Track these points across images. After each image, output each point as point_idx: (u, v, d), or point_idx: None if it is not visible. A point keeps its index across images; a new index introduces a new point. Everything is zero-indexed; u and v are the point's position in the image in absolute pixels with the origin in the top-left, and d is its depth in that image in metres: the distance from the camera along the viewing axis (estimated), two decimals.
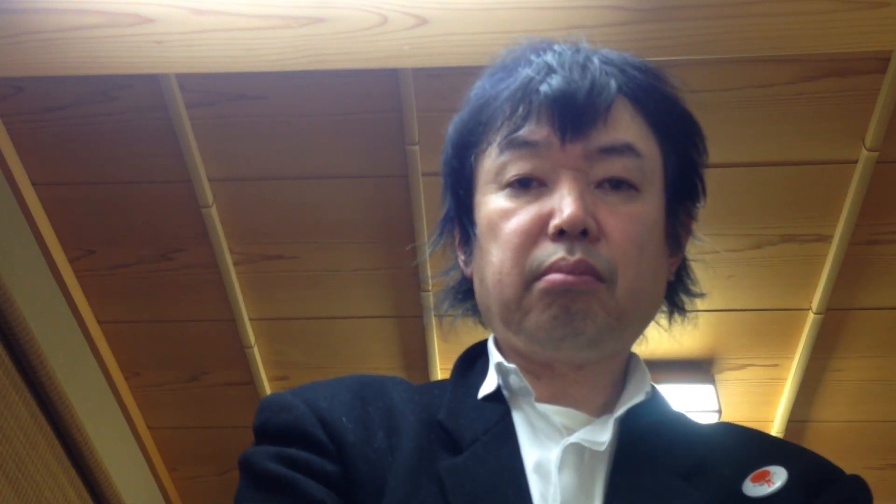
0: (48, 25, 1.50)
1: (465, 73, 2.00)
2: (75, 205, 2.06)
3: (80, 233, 2.11)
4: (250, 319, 2.27)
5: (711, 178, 1.94)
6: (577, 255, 0.76)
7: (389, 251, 2.12)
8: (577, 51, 0.83)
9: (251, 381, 2.37)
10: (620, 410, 0.80)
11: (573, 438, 0.77)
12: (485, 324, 0.91)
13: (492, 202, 0.82)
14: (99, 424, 2.17)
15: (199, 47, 1.51)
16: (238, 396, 2.40)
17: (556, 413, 0.80)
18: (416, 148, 1.94)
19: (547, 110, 0.79)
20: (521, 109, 0.80)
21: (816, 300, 2.15)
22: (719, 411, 2.27)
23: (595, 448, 0.77)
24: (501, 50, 0.89)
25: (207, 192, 2.02)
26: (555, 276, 0.77)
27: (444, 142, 0.91)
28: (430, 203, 2.00)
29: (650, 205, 0.82)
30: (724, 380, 2.36)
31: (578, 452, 0.77)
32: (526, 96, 0.80)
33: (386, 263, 2.15)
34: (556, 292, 0.77)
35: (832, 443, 2.48)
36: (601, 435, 0.78)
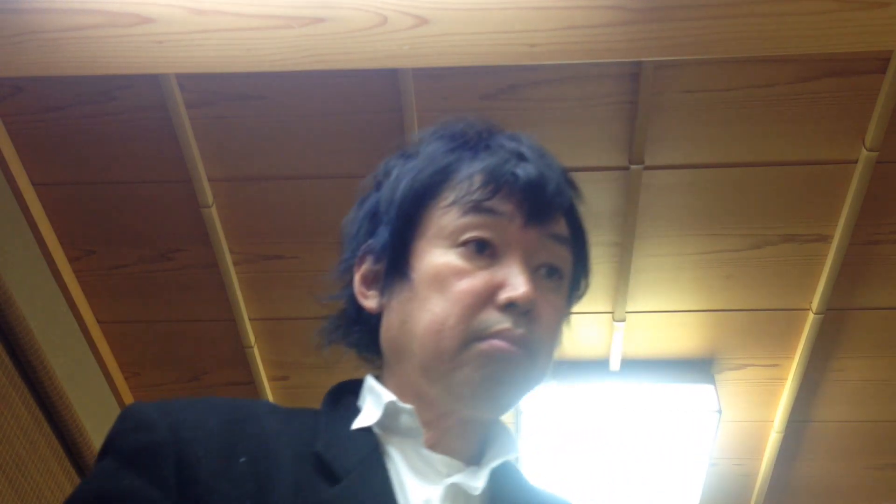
0: (48, 25, 1.50)
1: (465, 73, 2.01)
2: (75, 205, 2.06)
3: (80, 233, 2.11)
4: (250, 319, 2.27)
5: (712, 177, 1.95)
6: (522, 330, 0.85)
7: None
8: (540, 148, 0.93)
9: (251, 381, 2.37)
10: (496, 462, 0.89)
11: (453, 480, 0.86)
12: (369, 359, 0.96)
13: (441, 256, 0.88)
14: (99, 425, 2.17)
15: (199, 47, 1.51)
16: (238, 396, 2.40)
17: (435, 459, 0.87)
18: None
19: (519, 191, 0.89)
20: (493, 183, 0.88)
21: (816, 300, 2.15)
22: (719, 411, 2.27)
23: (471, 492, 0.86)
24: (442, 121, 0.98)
25: (207, 192, 2.02)
26: (499, 343, 0.85)
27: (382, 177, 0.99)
28: None
29: (565, 296, 0.93)
30: (724, 380, 2.35)
31: (455, 493, 0.86)
32: (502, 174, 0.89)
33: None
34: (495, 357, 0.85)
35: (832, 443, 2.48)
36: (477, 481, 0.87)
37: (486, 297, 0.85)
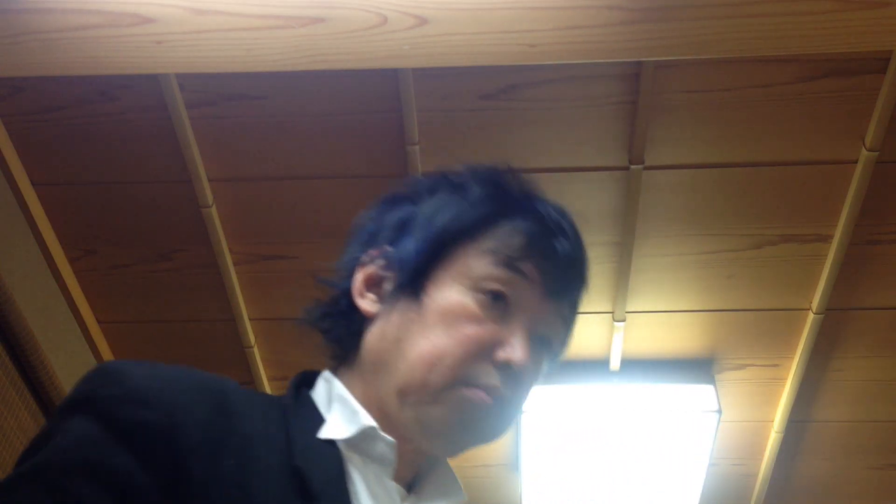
0: (48, 25, 1.50)
1: (465, 73, 2.01)
2: (75, 205, 2.06)
3: (80, 233, 2.11)
4: (250, 319, 2.27)
5: (712, 177, 1.95)
6: (508, 392, 0.90)
7: None
8: (578, 227, 0.98)
9: (251, 381, 2.37)
10: None
11: None
12: (336, 352, 0.97)
13: (459, 294, 0.91)
14: None
15: (199, 47, 1.51)
16: None
17: (392, 489, 0.90)
18: (416, 148, 1.94)
19: (552, 265, 0.93)
20: (533, 248, 0.93)
21: (816, 300, 2.15)
22: (719, 411, 2.27)
23: None
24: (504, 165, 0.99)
25: (207, 192, 2.02)
26: (482, 395, 0.89)
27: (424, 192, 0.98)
28: None
29: (545, 363, 0.97)
30: (724, 380, 2.35)
31: None
32: (541, 242, 0.93)
33: None
34: (475, 406, 0.89)
35: (832, 443, 2.48)
36: None
37: (487, 349, 0.89)
